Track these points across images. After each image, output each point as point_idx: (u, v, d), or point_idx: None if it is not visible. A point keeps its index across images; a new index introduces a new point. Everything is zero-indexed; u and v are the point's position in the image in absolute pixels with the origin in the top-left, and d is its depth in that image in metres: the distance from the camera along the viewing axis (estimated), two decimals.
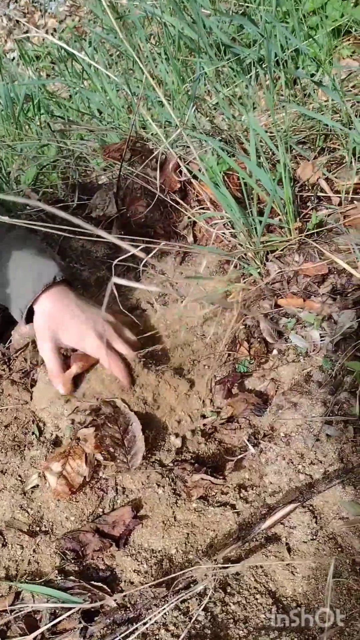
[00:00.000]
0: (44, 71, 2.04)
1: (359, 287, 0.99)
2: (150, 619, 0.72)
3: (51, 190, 1.46)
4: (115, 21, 1.60)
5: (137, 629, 0.74)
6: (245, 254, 1.02)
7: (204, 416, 1.01)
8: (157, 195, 1.06)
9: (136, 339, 1.04)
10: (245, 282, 1.00)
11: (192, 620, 0.74)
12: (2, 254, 0.97)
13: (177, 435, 0.97)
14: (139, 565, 0.85)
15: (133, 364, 0.98)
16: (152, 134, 1.19)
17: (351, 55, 1.51)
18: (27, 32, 1.87)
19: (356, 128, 1.12)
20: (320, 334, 0.95)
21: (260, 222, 0.99)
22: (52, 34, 1.83)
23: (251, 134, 0.97)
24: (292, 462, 0.88)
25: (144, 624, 0.73)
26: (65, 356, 1.00)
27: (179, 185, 1.09)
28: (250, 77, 1.45)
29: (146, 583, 0.82)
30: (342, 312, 0.98)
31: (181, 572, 0.78)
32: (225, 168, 1.07)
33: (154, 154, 1.09)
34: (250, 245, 1.02)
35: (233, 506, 0.89)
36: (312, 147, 1.23)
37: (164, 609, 0.72)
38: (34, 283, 0.95)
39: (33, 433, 0.99)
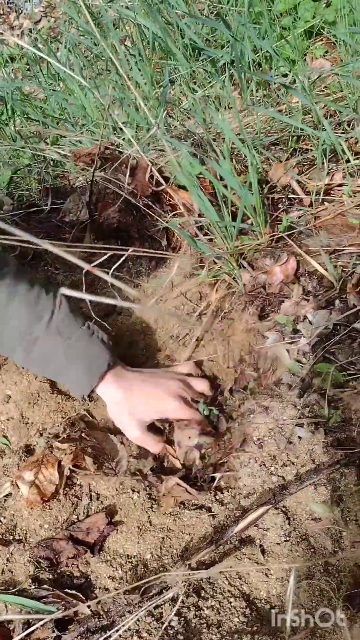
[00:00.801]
0: (19, 72, 2.03)
1: (329, 288, 1.00)
2: (122, 627, 0.72)
3: (27, 193, 1.45)
4: (89, 22, 1.59)
5: (110, 636, 0.74)
6: (218, 258, 1.02)
7: None
8: (128, 200, 1.06)
9: (207, 383, 1.03)
10: (217, 288, 1.01)
11: (164, 627, 0.74)
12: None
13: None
14: (113, 571, 0.85)
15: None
16: (123, 139, 1.19)
17: (324, 56, 1.52)
18: (1, 33, 1.86)
19: (326, 129, 1.12)
20: (291, 336, 0.95)
21: (234, 226, 0.99)
22: (28, 35, 1.82)
23: (226, 139, 0.97)
24: (265, 465, 0.89)
25: (117, 631, 0.72)
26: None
27: (151, 190, 1.09)
28: (224, 78, 1.45)
29: (121, 589, 0.82)
30: (316, 312, 0.99)
31: (153, 578, 0.77)
32: (197, 172, 1.08)
33: (122, 159, 1.08)
34: (226, 249, 1.02)
35: (209, 509, 0.90)
36: (284, 149, 1.23)
37: (135, 616, 0.72)
38: (88, 373, 0.92)
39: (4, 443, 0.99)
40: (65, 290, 0.35)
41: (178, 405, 0.94)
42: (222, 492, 0.91)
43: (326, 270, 0.99)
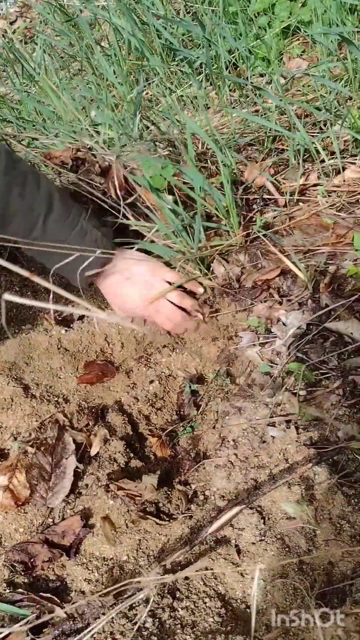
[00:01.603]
0: None
1: (304, 288, 1.00)
2: (94, 629, 0.72)
3: None
4: (65, 23, 1.59)
5: (84, 639, 0.74)
6: (187, 260, 1.02)
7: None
8: (102, 203, 1.06)
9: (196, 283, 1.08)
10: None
11: (136, 628, 0.74)
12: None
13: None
14: (89, 573, 0.85)
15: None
16: (96, 142, 1.18)
17: (300, 55, 1.52)
18: None
19: (299, 130, 1.13)
20: (265, 336, 0.95)
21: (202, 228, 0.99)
22: (3, 36, 1.80)
23: (189, 139, 0.97)
24: (240, 465, 0.89)
25: (88, 633, 0.72)
26: None
27: (123, 193, 1.09)
28: (201, 79, 1.46)
29: (97, 591, 0.82)
30: (289, 313, 1.00)
31: (124, 582, 0.78)
32: (170, 174, 1.07)
33: (97, 161, 1.08)
34: (189, 252, 1.02)
35: (186, 510, 0.90)
36: (260, 149, 1.24)
37: (106, 618, 0.72)
38: (83, 277, 0.98)
39: None
40: (7, 296, 0.34)
41: (163, 322, 1.05)
42: (197, 494, 0.91)
43: (299, 270, 0.99)
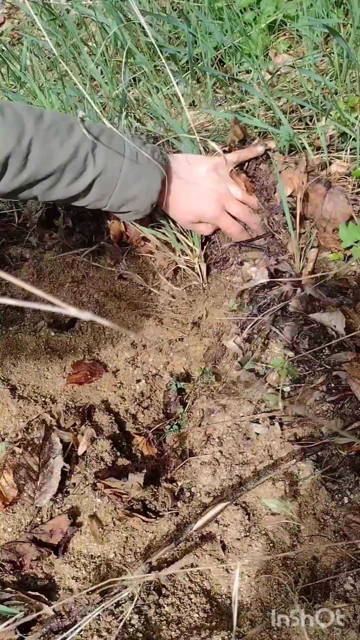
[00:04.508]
0: None
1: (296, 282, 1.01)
2: (79, 627, 0.73)
3: None
4: (51, 24, 1.59)
5: (70, 637, 0.75)
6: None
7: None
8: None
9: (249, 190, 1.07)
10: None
11: (121, 625, 0.75)
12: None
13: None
14: (77, 571, 0.86)
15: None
16: None
17: (287, 51, 1.52)
18: None
19: (284, 125, 1.13)
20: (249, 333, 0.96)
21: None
22: None
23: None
24: (225, 462, 0.90)
25: (74, 631, 0.73)
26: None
27: None
28: (187, 76, 1.45)
29: (84, 589, 0.83)
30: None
31: (109, 581, 0.79)
32: None
33: None
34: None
35: (173, 507, 0.90)
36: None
37: (91, 616, 0.73)
38: (148, 196, 0.96)
39: None
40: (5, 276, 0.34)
41: (214, 216, 1.03)
42: (184, 491, 0.92)
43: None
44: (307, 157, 1.07)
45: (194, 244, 1.07)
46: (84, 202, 0.96)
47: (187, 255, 1.09)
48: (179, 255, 1.10)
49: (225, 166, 1.04)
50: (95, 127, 0.93)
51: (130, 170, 0.93)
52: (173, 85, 1.48)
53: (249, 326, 0.96)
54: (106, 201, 0.96)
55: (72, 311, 0.32)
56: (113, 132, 0.94)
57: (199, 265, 1.09)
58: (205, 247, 1.11)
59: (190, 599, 0.81)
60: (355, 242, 1.00)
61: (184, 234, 1.08)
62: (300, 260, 1.00)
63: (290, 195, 1.05)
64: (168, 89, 1.47)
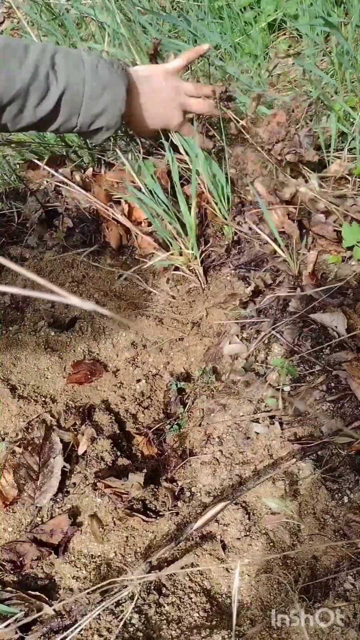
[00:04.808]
0: None
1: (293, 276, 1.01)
2: (80, 626, 0.73)
3: None
4: (51, 23, 1.58)
5: (71, 636, 0.75)
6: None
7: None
8: (86, 205, 1.06)
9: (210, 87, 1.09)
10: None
11: (122, 624, 0.75)
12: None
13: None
14: (77, 571, 0.86)
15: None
16: (76, 145, 1.19)
17: (287, 50, 1.52)
18: None
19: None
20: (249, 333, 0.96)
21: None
22: None
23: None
24: (225, 462, 0.90)
25: (74, 630, 0.73)
26: None
27: (108, 194, 1.09)
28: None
29: (85, 589, 0.83)
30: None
31: (108, 581, 0.79)
32: (152, 171, 1.08)
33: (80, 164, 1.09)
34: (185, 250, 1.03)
35: (173, 506, 0.91)
36: None
37: (92, 615, 0.73)
38: (115, 107, 0.96)
39: None
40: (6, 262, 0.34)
41: (179, 123, 1.06)
42: (184, 491, 0.92)
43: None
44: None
45: (192, 248, 1.06)
46: (55, 125, 0.95)
47: (184, 256, 1.09)
48: (177, 257, 1.10)
49: (177, 71, 1.07)
50: (49, 46, 0.93)
51: (94, 82, 0.93)
52: None
53: (248, 327, 0.96)
54: (76, 120, 0.95)
55: (74, 300, 0.32)
56: (68, 49, 0.95)
57: (196, 268, 1.08)
58: (202, 251, 1.11)
59: (191, 598, 0.81)
60: (358, 242, 1.00)
61: (180, 235, 1.07)
62: (296, 262, 1.00)
63: None
64: None
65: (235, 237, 1.09)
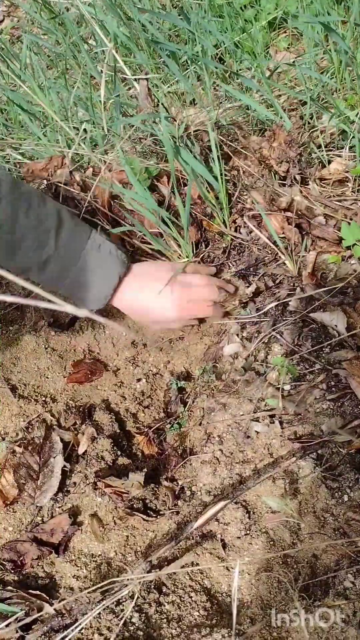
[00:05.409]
0: None
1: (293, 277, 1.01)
2: (80, 625, 0.73)
3: None
4: (51, 21, 1.58)
5: (71, 635, 0.75)
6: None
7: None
8: (87, 208, 1.06)
9: (213, 271, 1.07)
10: None
11: (122, 623, 0.76)
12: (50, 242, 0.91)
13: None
14: (78, 570, 0.86)
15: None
16: (83, 140, 1.19)
17: (287, 48, 1.51)
18: None
19: (285, 121, 1.13)
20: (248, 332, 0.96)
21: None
22: None
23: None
24: (225, 461, 0.90)
25: (74, 629, 0.74)
26: None
27: (109, 197, 1.09)
28: (188, 74, 1.45)
29: (86, 588, 0.83)
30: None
31: (110, 581, 0.79)
32: (155, 173, 1.08)
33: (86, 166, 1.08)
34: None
35: (173, 505, 0.91)
36: None
37: (92, 614, 0.74)
38: (104, 288, 0.94)
39: None
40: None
41: (178, 325, 1.02)
42: (184, 490, 0.92)
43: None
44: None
45: (187, 256, 1.06)
46: (40, 278, 0.93)
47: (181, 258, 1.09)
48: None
49: (182, 273, 1.01)
50: (66, 210, 0.94)
51: (90, 256, 0.93)
52: (173, 83, 1.48)
53: (248, 327, 0.96)
54: (62, 282, 0.93)
55: (69, 308, 0.32)
56: (81, 222, 0.95)
57: None
58: (201, 253, 1.11)
59: (191, 597, 0.81)
60: (358, 241, 1.00)
61: (176, 240, 1.07)
62: (296, 263, 1.00)
63: None
64: (168, 87, 1.47)
65: (236, 243, 1.09)
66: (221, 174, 1.03)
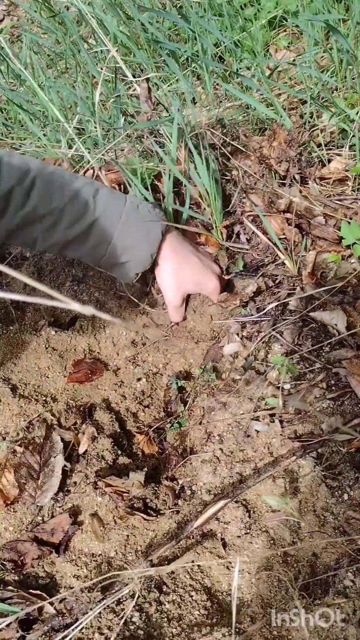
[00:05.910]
0: None
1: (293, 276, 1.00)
2: (80, 624, 0.74)
3: None
4: (51, 20, 1.59)
5: (72, 634, 0.76)
6: None
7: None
8: None
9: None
10: None
11: (122, 622, 0.76)
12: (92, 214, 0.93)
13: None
14: (78, 570, 0.86)
15: None
16: (83, 141, 1.19)
17: (288, 47, 1.51)
18: None
19: (285, 120, 1.13)
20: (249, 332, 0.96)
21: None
22: None
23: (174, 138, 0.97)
24: (225, 460, 0.90)
25: (74, 629, 0.74)
26: None
27: None
28: (187, 73, 1.45)
29: (86, 588, 0.83)
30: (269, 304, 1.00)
31: (109, 575, 0.79)
32: (155, 173, 1.08)
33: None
34: None
35: (174, 505, 0.91)
36: None
37: (92, 614, 0.74)
38: (148, 245, 0.96)
39: None
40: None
41: (216, 287, 1.04)
42: (184, 489, 0.92)
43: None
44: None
45: None
46: (83, 250, 0.95)
47: None
48: None
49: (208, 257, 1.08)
50: (97, 182, 0.96)
51: (131, 217, 0.94)
52: (173, 82, 1.48)
53: (248, 326, 0.96)
54: (105, 247, 0.94)
55: (74, 306, 0.32)
56: (115, 190, 0.97)
57: None
58: None
59: (191, 596, 0.81)
60: (357, 240, 1.00)
61: None
62: (296, 263, 1.00)
63: None
64: (168, 86, 1.47)
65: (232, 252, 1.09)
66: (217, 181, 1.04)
